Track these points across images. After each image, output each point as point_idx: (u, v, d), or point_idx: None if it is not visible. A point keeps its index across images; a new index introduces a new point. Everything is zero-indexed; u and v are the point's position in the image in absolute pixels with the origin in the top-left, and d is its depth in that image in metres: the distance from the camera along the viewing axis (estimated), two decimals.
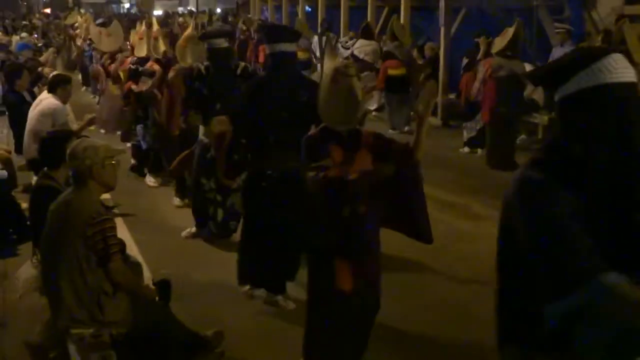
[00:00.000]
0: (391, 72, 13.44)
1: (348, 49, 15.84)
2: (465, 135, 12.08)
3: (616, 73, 2.44)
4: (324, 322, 4.52)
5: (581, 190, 2.44)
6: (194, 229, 7.87)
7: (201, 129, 7.47)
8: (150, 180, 10.04)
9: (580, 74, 2.47)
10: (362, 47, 15.22)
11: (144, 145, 10.24)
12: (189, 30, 9.33)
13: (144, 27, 11.45)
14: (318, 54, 15.72)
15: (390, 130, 13.26)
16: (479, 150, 11.71)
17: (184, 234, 7.90)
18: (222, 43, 7.33)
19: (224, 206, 7.48)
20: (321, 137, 4.44)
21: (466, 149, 12.09)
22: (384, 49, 14.30)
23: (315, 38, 16.51)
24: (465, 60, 11.93)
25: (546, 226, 2.43)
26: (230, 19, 23.22)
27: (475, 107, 11.36)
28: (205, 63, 7.44)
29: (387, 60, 13.57)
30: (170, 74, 8.26)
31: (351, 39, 16.49)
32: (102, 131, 12.63)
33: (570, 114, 2.52)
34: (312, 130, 4.66)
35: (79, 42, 19.19)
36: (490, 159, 10.94)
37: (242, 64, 7.48)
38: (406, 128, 13.39)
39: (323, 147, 4.36)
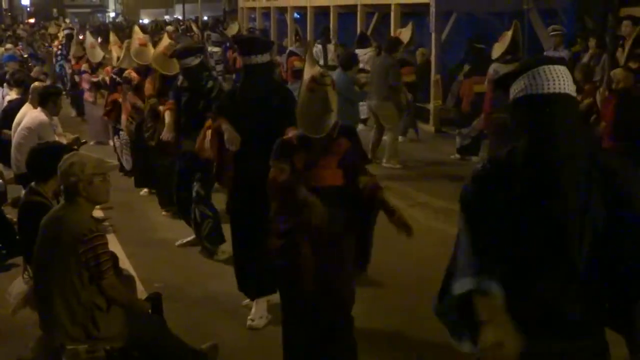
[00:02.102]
0: (407, 79, 12.97)
1: None
2: (459, 141, 12.02)
3: (540, 84, 2.61)
4: (298, 336, 4.56)
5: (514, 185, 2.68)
6: (189, 238, 7.83)
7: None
8: (143, 191, 10.01)
9: (515, 83, 2.69)
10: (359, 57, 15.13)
11: (125, 165, 10.32)
12: (168, 40, 9.29)
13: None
14: (322, 62, 15.61)
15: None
16: (473, 158, 11.64)
17: (178, 243, 7.87)
18: (193, 61, 7.38)
19: (214, 218, 7.45)
20: (295, 141, 4.49)
21: (457, 156, 12.02)
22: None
23: (318, 47, 16.41)
24: (466, 67, 11.73)
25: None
26: (221, 29, 23.10)
27: (472, 114, 11.30)
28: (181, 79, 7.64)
29: (402, 67, 13.35)
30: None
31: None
32: (92, 143, 12.58)
33: (512, 120, 2.78)
34: (290, 134, 4.62)
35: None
36: None
37: (211, 82, 7.52)
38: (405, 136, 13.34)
39: (293, 151, 4.44)
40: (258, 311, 5.93)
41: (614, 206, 2.63)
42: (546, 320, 2.74)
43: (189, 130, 7.21)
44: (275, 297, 5.37)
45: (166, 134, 7.64)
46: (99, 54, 13.82)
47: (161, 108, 8.09)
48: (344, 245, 4.50)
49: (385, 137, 11.77)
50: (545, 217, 2.65)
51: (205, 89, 7.36)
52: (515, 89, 2.69)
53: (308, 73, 4.61)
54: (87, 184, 4.38)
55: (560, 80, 2.62)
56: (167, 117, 7.68)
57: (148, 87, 8.70)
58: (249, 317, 5.91)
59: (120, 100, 10.09)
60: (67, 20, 38.84)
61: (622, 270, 2.67)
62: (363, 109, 12.31)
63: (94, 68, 13.54)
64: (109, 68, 11.92)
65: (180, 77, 7.65)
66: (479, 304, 2.67)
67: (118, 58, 11.11)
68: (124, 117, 9.77)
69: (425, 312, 6.01)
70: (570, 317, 2.72)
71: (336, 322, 4.49)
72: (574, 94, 2.68)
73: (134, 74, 9.48)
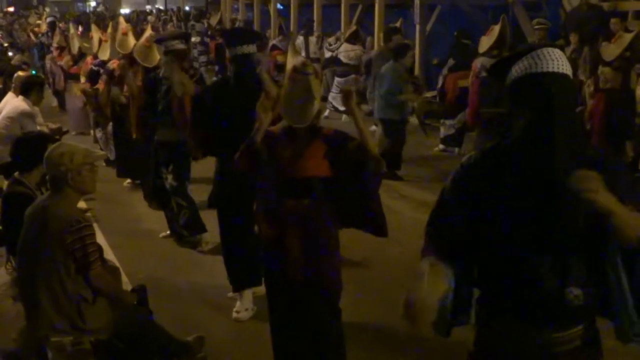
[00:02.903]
0: None
1: (332, 51, 15.75)
2: (443, 132, 12.03)
3: (541, 64, 2.68)
4: (285, 330, 4.52)
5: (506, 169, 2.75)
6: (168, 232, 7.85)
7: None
8: (126, 182, 9.98)
9: (516, 64, 2.74)
10: (346, 52, 15.15)
11: (110, 155, 10.31)
12: (150, 31, 9.24)
13: (109, 29, 11.34)
14: (303, 54, 15.58)
15: (373, 127, 13.22)
16: (456, 150, 11.65)
17: (162, 235, 7.85)
18: (177, 45, 7.36)
19: (189, 208, 7.44)
20: (278, 132, 4.45)
21: (441, 147, 12.03)
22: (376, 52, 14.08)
23: (300, 39, 16.37)
24: (451, 62, 11.71)
25: None
26: (204, 19, 22.99)
27: (456, 108, 11.31)
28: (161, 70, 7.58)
29: None
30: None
31: (337, 40, 16.37)
32: (73, 133, 12.50)
33: (510, 101, 2.79)
34: (275, 126, 4.60)
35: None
36: None
37: (192, 71, 7.55)
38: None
39: (276, 141, 4.40)
40: (244, 303, 5.91)
41: None
42: (534, 309, 2.76)
43: (167, 119, 7.22)
44: (261, 290, 5.35)
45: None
46: (75, 44, 13.76)
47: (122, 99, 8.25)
48: (330, 235, 4.48)
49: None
50: (535, 203, 2.69)
51: (186, 70, 7.36)
52: (517, 70, 2.74)
53: (290, 63, 4.61)
54: (76, 174, 4.34)
55: (560, 61, 2.70)
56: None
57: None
58: (234, 309, 5.89)
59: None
60: (47, 10, 38.56)
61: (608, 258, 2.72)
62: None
63: (77, 60, 13.43)
64: (89, 59, 11.80)
65: (162, 67, 7.56)
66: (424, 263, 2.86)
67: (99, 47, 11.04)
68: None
69: (399, 301, 6.07)
70: (558, 306, 2.74)
71: (323, 314, 4.47)
72: (571, 75, 2.75)
73: (116, 64, 9.42)
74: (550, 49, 2.73)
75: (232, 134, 5.55)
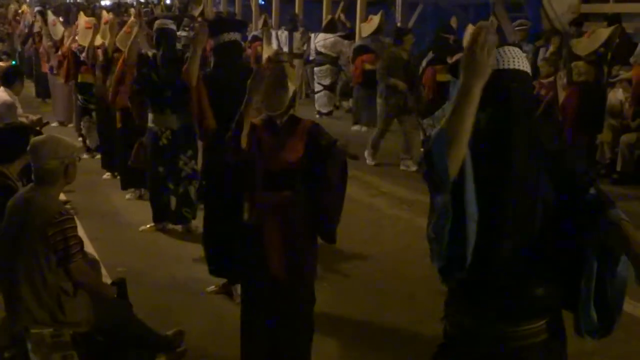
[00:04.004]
0: (368, 66, 12.99)
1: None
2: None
3: (509, 60, 2.76)
4: (258, 318, 4.52)
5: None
6: (151, 224, 7.77)
7: (150, 117, 7.40)
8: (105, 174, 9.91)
9: None
10: (323, 41, 15.07)
11: (90, 144, 10.26)
12: (132, 18, 9.23)
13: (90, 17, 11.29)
14: (286, 49, 15.53)
15: (355, 127, 13.20)
16: None
17: (142, 228, 7.80)
18: (170, 24, 7.33)
19: (176, 194, 7.42)
20: (261, 124, 4.48)
21: (421, 149, 11.97)
22: (357, 43, 14.05)
23: (286, 33, 16.32)
24: (430, 55, 11.65)
25: None
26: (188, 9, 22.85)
27: (434, 102, 11.31)
28: (153, 50, 7.44)
29: (363, 54, 13.19)
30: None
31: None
32: (55, 124, 12.45)
33: None
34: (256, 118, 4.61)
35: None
36: None
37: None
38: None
39: (259, 133, 4.42)
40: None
41: (561, 186, 2.77)
42: (499, 301, 2.80)
43: (176, 104, 7.11)
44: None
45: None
46: (59, 30, 13.65)
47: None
48: (308, 226, 4.50)
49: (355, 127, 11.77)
50: (496, 194, 2.73)
51: (182, 57, 6.91)
52: None
53: (266, 54, 4.66)
54: (72, 167, 4.41)
55: (522, 59, 2.81)
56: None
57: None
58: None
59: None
60: None
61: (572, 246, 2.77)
62: None
63: (56, 47, 13.34)
64: (71, 44, 11.70)
65: (155, 51, 7.38)
66: None
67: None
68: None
69: (390, 300, 6.12)
70: (524, 298, 2.79)
71: (300, 300, 4.51)
72: (530, 73, 2.85)
73: (98, 52, 9.41)
74: (512, 47, 2.83)
75: (218, 126, 5.59)
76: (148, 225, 7.79)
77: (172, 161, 7.36)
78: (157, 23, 7.42)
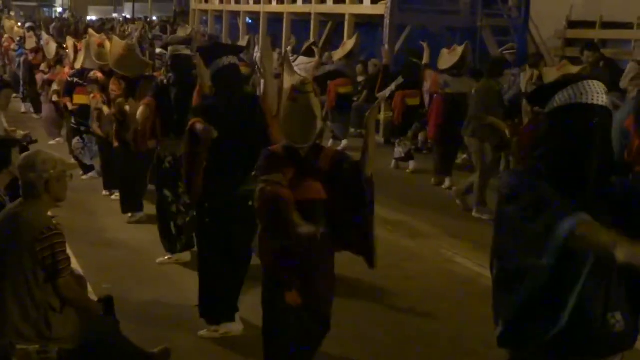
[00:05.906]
0: (341, 90, 13.37)
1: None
2: (398, 151, 12.08)
3: (586, 95, 2.76)
4: (281, 339, 4.46)
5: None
6: (169, 256, 7.45)
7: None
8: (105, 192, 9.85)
9: (560, 93, 2.82)
10: (302, 65, 15.14)
11: (87, 161, 10.19)
12: (122, 41, 9.19)
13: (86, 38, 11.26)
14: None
15: (332, 141, 13.43)
16: (410, 165, 11.87)
17: (159, 260, 7.44)
18: (184, 49, 7.26)
19: (181, 219, 7.27)
20: (282, 153, 4.41)
21: (411, 169, 11.98)
22: (329, 67, 14.14)
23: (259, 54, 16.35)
24: (400, 79, 11.70)
25: None
26: (170, 30, 22.84)
27: (404, 126, 11.60)
28: (168, 75, 7.34)
29: (337, 78, 13.45)
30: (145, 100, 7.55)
31: (294, 51, 16.29)
32: (53, 142, 12.50)
33: (550, 127, 2.87)
34: (276, 145, 4.58)
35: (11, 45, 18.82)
36: (438, 174, 11.01)
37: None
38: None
39: (280, 163, 4.32)
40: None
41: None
42: (577, 338, 2.80)
43: (182, 128, 6.68)
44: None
45: (133, 129, 7.35)
46: (52, 49, 13.63)
47: (127, 108, 7.96)
48: (329, 258, 4.48)
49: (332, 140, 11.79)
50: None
51: (194, 82, 6.71)
52: (560, 98, 2.81)
53: (288, 82, 4.55)
54: (55, 182, 4.35)
55: (604, 94, 2.80)
56: (141, 112, 7.14)
57: (113, 87, 8.53)
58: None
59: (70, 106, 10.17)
60: (12, 13, 38.06)
61: None
62: None
63: (51, 66, 13.32)
64: (67, 69, 11.65)
65: (168, 75, 7.32)
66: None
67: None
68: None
69: (373, 321, 6.11)
70: (601, 332, 2.81)
71: (318, 319, 4.48)
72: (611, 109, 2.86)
73: (99, 74, 9.35)
74: (594, 82, 2.83)
75: (219, 155, 5.50)
76: (166, 257, 7.44)
77: (175, 186, 7.15)
78: (170, 50, 7.34)
